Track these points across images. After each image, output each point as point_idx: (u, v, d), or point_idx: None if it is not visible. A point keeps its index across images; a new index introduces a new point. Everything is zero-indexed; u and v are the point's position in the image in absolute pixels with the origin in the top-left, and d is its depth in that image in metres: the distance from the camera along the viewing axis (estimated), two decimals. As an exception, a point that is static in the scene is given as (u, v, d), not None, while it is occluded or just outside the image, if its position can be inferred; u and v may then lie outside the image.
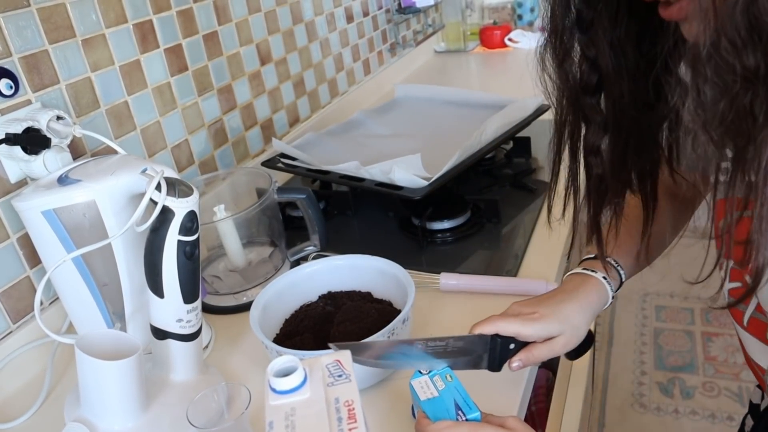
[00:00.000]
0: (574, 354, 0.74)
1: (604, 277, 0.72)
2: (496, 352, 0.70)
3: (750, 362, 0.68)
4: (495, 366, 0.71)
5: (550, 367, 0.98)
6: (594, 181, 0.63)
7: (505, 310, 0.71)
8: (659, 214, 0.72)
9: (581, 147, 0.62)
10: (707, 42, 0.41)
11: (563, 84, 0.59)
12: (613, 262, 0.74)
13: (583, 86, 0.57)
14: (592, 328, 0.77)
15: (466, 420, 0.59)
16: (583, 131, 0.60)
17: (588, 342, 0.75)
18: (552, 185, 0.67)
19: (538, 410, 0.94)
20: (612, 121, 0.58)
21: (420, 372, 0.66)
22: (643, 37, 0.55)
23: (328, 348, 0.65)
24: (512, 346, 0.70)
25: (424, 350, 0.67)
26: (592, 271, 0.74)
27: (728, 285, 0.66)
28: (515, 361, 0.69)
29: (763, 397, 0.77)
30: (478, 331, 0.68)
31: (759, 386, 0.78)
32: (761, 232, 0.45)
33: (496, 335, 0.69)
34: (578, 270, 0.75)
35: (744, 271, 0.62)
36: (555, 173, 0.66)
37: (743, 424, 0.83)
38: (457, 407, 0.61)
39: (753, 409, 0.80)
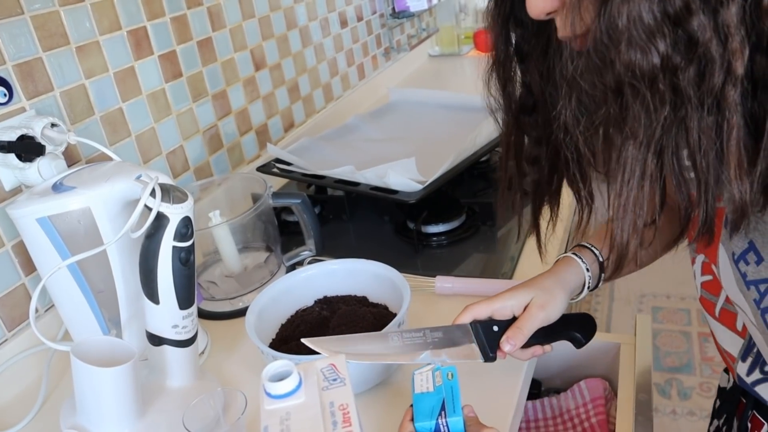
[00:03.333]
0: (578, 341, 0.75)
1: (574, 253, 0.77)
2: (482, 338, 0.71)
3: (720, 350, 0.71)
4: (487, 354, 0.71)
5: (605, 376, 0.98)
6: (532, 185, 0.71)
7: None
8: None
9: (518, 156, 0.70)
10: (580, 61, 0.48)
11: (506, 104, 0.66)
12: (588, 245, 0.78)
13: (521, 107, 0.66)
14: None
15: (446, 422, 0.60)
16: (522, 144, 0.69)
17: (590, 326, 0.76)
18: (502, 191, 0.74)
19: (599, 422, 0.93)
20: (545, 136, 0.65)
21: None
22: None
23: (317, 352, 0.65)
24: (495, 328, 0.72)
25: (401, 342, 0.68)
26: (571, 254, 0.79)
27: (700, 279, 0.69)
28: (504, 342, 0.70)
29: (729, 381, 0.80)
30: (455, 323, 0.72)
31: (726, 371, 0.81)
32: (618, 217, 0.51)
33: (475, 321, 0.71)
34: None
35: (711, 265, 0.66)
36: (504, 181, 0.73)
37: (714, 407, 0.86)
38: (443, 407, 0.61)
39: (720, 391, 0.83)
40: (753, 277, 0.55)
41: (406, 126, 1.51)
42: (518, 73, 0.64)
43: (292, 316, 0.90)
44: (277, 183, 1.42)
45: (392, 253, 1.12)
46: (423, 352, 0.69)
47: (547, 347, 0.74)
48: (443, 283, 0.97)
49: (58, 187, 0.78)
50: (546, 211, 0.74)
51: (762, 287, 0.54)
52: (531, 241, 1.09)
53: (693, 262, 0.71)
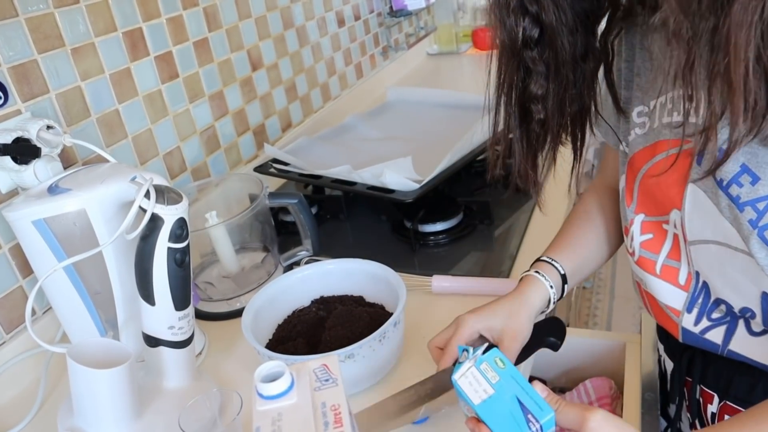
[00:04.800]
0: (554, 344, 0.75)
1: (537, 272, 0.77)
2: None
3: (661, 311, 0.73)
4: None
5: (611, 376, 0.98)
6: (536, 125, 0.69)
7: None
8: (596, 226, 0.82)
9: (519, 97, 0.68)
10: None
11: (507, 38, 0.64)
12: (548, 260, 0.78)
13: (524, 40, 0.63)
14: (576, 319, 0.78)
15: (541, 427, 0.51)
16: (524, 83, 0.66)
17: (560, 327, 0.76)
18: (491, 137, 0.72)
19: None
20: (554, 71, 0.64)
21: (458, 362, 0.56)
22: None
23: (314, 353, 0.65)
24: None
25: (397, 407, 0.65)
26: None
27: (639, 239, 0.71)
28: None
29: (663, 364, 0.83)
30: (440, 369, 0.70)
31: (664, 338, 0.83)
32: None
33: (456, 362, 0.69)
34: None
35: (657, 223, 0.68)
36: (494, 129, 0.71)
37: (661, 364, 0.87)
38: (524, 408, 0.50)
39: (670, 349, 0.83)
40: (749, 197, 0.56)
41: (404, 125, 1.51)
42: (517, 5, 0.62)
43: (288, 317, 0.90)
44: (274, 183, 1.42)
45: (389, 252, 1.12)
46: (420, 407, 0.67)
47: None
48: (440, 282, 0.97)
49: (53, 190, 0.78)
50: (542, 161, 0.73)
51: (761, 205, 0.55)
52: (528, 239, 1.10)
53: (627, 231, 0.73)
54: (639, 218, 0.71)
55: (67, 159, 0.99)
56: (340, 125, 1.52)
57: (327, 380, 0.47)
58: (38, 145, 0.86)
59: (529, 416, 0.49)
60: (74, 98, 1.01)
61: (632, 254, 0.73)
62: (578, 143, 0.73)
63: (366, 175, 1.13)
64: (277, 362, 0.48)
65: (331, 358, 0.50)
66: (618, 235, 0.83)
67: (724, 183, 0.58)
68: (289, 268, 1.06)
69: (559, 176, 0.74)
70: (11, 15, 0.90)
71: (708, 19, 0.48)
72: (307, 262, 1.01)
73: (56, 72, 0.97)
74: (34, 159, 0.85)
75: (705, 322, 0.68)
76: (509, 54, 0.65)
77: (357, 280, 0.91)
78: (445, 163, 1.13)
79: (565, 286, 0.78)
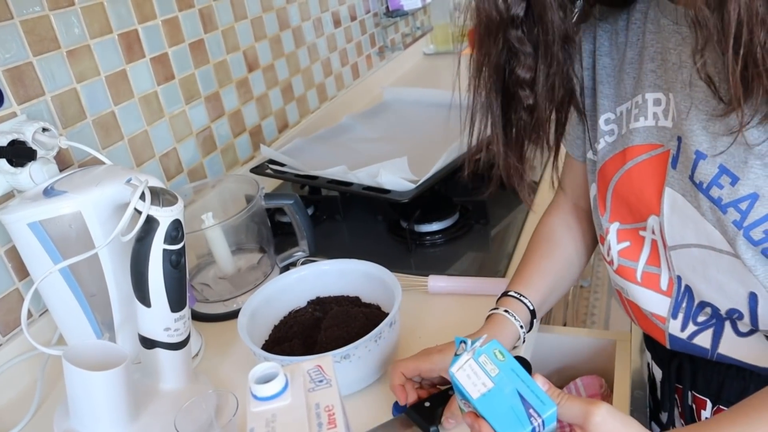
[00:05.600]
0: None
1: (506, 310, 0.74)
2: (419, 419, 0.69)
3: (646, 319, 0.71)
4: (428, 429, 0.69)
5: (602, 374, 0.99)
6: (523, 113, 0.64)
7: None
8: (563, 249, 0.80)
9: (504, 82, 0.62)
10: None
11: (488, 17, 0.58)
12: (516, 295, 0.76)
13: (510, 18, 0.57)
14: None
15: (543, 422, 0.49)
16: (510, 65, 0.61)
17: (526, 366, 0.75)
18: (469, 142, 0.68)
19: None
20: (543, 51, 0.59)
21: (456, 354, 0.54)
22: None
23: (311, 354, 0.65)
24: (427, 404, 0.70)
25: None
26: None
27: (617, 248, 0.70)
28: (445, 420, 0.69)
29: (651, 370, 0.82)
30: (392, 387, 0.71)
31: (650, 346, 0.83)
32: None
33: (408, 406, 0.70)
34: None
35: (633, 230, 0.67)
36: (471, 128, 0.66)
37: (650, 376, 0.86)
38: (525, 402, 0.48)
39: (658, 356, 0.82)
40: (730, 198, 0.54)
41: (400, 125, 1.52)
42: None
43: (285, 317, 0.90)
44: (271, 184, 1.42)
45: (386, 252, 1.12)
46: None
47: None
48: (436, 282, 0.97)
49: (49, 192, 0.78)
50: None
51: (743, 205, 0.54)
52: (524, 239, 1.10)
53: (602, 240, 0.72)
54: (614, 227, 0.70)
55: (62, 161, 0.99)
56: (336, 126, 1.52)
57: (321, 381, 0.47)
58: (34, 147, 0.86)
59: (531, 410, 0.48)
60: (70, 100, 1.01)
61: (611, 263, 0.72)
62: (558, 132, 0.69)
63: (362, 176, 1.13)
64: (271, 363, 0.48)
65: (325, 359, 0.50)
66: (590, 249, 0.82)
67: (704, 185, 0.57)
68: (286, 268, 1.06)
69: (547, 172, 0.73)
70: (6, 17, 0.90)
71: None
72: (303, 263, 1.01)
73: (52, 74, 0.97)
74: (30, 161, 0.85)
75: (692, 327, 0.67)
76: (491, 35, 0.59)
77: (353, 280, 0.91)
78: (440, 163, 1.13)
79: (534, 320, 0.76)
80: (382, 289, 0.87)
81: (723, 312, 0.63)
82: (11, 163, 0.85)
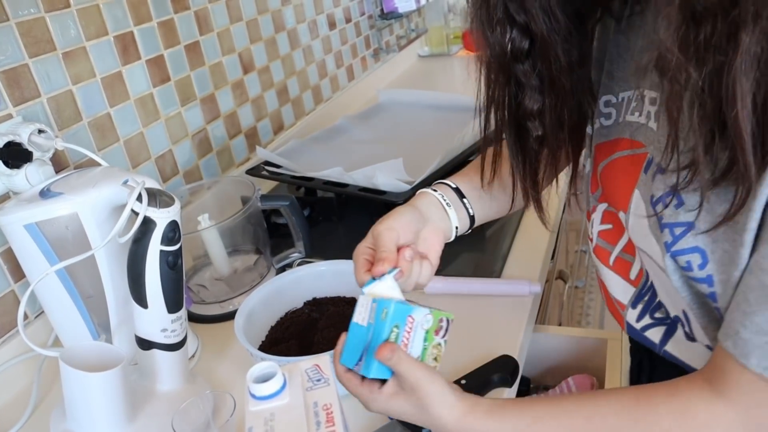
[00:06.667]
0: (506, 380, 0.78)
1: (434, 189, 0.76)
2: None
3: (611, 303, 0.72)
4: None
5: (592, 372, 0.99)
6: (533, 143, 0.64)
7: None
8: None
9: (513, 114, 0.63)
10: None
11: (493, 53, 0.59)
12: (442, 181, 0.77)
13: (514, 53, 0.58)
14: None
15: (361, 374, 0.58)
16: (517, 99, 0.61)
17: (511, 363, 0.79)
18: (483, 153, 0.69)
19: None
20: (549, 83, 0.59)
21: (373, 278, 0.63)
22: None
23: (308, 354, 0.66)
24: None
25: None
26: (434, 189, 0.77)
27: (598, 227, 0.69)
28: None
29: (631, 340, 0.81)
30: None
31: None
32: (703, 150, 0.46)
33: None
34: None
35: (617, 215, 0.66)
36: (487, 143, 0.68)
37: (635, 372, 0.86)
38: (362, 354, 0.58)
39: (631, 346, 0.83)
40: (669, 219, 0.54)
41: (395, 127, 1.52)
42: (503, 16, 0.57)
43: (281, 318, 0.90)
44: (267, 186, 1.42)
45: (382, 253, 1.12)
46: None
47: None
48: (432, 283, 0.97)
49: (45, 194, 0.78)
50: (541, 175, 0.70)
51: (677, 230, 0.54)
52: (519, 239, 1.10)
53: (589, 216, 0.71)
54: (602, 207, 0.69)
55: (58, 163, 0.99)
56: (332, 127, 1.52)
57: (319, 380, 0.47)
58: (30, 149, 0.86)
59: (360, 363, 0.58)
60: (66, 102, 1.01)
61: (591, 240, 0.72)
62: (575, 154, 0.69)
63: (358, 177, 1.14)
64: (269, 363, 0.48)
65: (323, 359, 0.50)
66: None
67: (654, 199, 0.56)
68: (282, 270, 1.06)
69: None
70: (2, 19, 0.90)
71: (709, 62, 0.43)
72: (299, 264, 1.02)
73: (47, 76, 0.97)
74: (26, 163, 0.85)
75: (647, 320, 0.66)
76: (498, 69, 0.60)
77: (349, 281, 0.91)
78: (436, 164, 1.13)
79: (465, 200, 0.76)
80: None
81: (672, 316, 0.63)
82: (7, 164, 0.85)
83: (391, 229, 0.68)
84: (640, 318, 0.67)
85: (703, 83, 0.44)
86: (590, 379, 0.96)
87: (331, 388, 0.46)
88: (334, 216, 1.28)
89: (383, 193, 1.11)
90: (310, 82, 1.76)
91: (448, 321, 0.65)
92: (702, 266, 0.52)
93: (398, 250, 0.67)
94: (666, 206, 0.53)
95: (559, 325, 1.55)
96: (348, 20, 1.97)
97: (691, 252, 0.52)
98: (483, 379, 0.78)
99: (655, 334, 0.67)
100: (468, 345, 0.85)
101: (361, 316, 0.62)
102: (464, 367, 0.80)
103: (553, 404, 0.59)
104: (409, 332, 0.60)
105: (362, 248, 0.71)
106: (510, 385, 0.78)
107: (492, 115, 0.65)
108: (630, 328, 0.70)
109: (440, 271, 1.02)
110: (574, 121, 0.63)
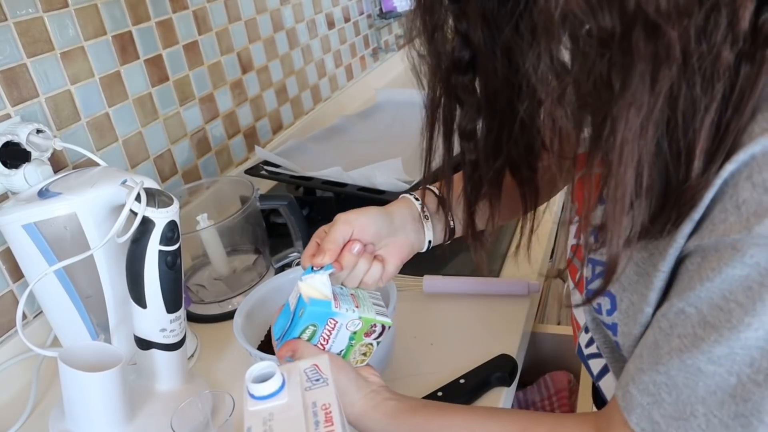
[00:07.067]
0: (505, 380, 0.79)
1: (416, 197, 0.73)
2: None
3: (573, 319, 0.69)
4: None
5: (570, 369, 0.99)
6: (468, 168, 0.58)
7: None
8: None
9: (448, 131, 0.57)
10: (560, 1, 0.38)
11: (433, 61, 0.52)
12: (428, 188, 0.72)
13: (455, 63, 0.51)
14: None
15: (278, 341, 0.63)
16: (452, 114, 0.55)
17: (509, 362, 0.79)
18: (425, 176, 0.63)
19: (563, 413, 0.95)
20: (485, 102, 0.52)
21: (312, 268, 0.64)
22: None
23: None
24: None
25: None
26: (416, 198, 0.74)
27: (572, 241, 0.65)
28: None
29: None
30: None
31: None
32: (614, 217, 0.42)
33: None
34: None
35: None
36: (427, 164, 0.61)
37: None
38: (286, 334, 0.63)
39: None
40: (595, 255, 0.51)
41: (394, 126, 1.52)
42: (450, 18, 0.50)
43: (280, 318, 0.90)
44: (265, 185, 1.42)
45: (381, 253, 1.12)
46: None
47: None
48: (431, 282, 0.97)
49: (44, 194, 0.78)
50: (483, 208, 0.62)
51: (597, 268, 0.53)
52: (518, 238, 1.10)
53: (569, 224, 0.66)
54: (576, 219, 0.62)
55: (57, 163, 0.99)
56: (331, 127, 1.52)
57: (318, 380, 0.47)
58: (28, 149, 0.86)
59: (278, 340, 0.65)
60: (64, 102, 1.01)
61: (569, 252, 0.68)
62: (528, 195, 0.60)
63: (356, 177, 1.14)
64: (267, 363, 0.49)
65: (322, 358, 0.50)
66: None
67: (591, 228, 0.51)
68: (281, 269, 1.06)
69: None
70: (0, 19, 0.90)
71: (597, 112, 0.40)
72: (298, 264, 1.01)
73: (46, 76, 0.97)
74: (24, 163, 0.85)
75: (593, 349, 0.63)
76: (437, 77, 0.54)
77: (348, 281, 0.91)
78: (435, 164, 1.13)
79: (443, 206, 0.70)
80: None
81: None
82: (5, 164, 0.85)
83: (347, 222, 0.67)
84: (588, 344, 0.65)
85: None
86: (567, 375, 0.97)
87: (330, 388, 0.46)
88: (333, 215, 1.27)
89: (382, 192, 1.11)
90: (309, 82, 1.76)
91: (383, 327, 0.66)
92: (609, 312, 0.51)
93: (348, 243, 0.66)
94: (596, 239, 0.47)
95: (558, 324, 1.55)
96: (347, 20, 1.97)
97: (602, 295, 0.49)
98: (481, 379, 0.78)
99: (595, 366, 0.65)
100: (466, 344, 0.85)
101: (292, 300, 0.65)
102: (463, 366, 0.80)
103: (446, 415, 0.58)
104: (330, 331, 0.63)
105: (320, 231, 0.70)
106: (509, 385, 0.78)
107: (434, 127, 0.58)
108: (579, 351, 0.68)
109: (439, 271, 1.03)
110: (515, 154, 0.55)
